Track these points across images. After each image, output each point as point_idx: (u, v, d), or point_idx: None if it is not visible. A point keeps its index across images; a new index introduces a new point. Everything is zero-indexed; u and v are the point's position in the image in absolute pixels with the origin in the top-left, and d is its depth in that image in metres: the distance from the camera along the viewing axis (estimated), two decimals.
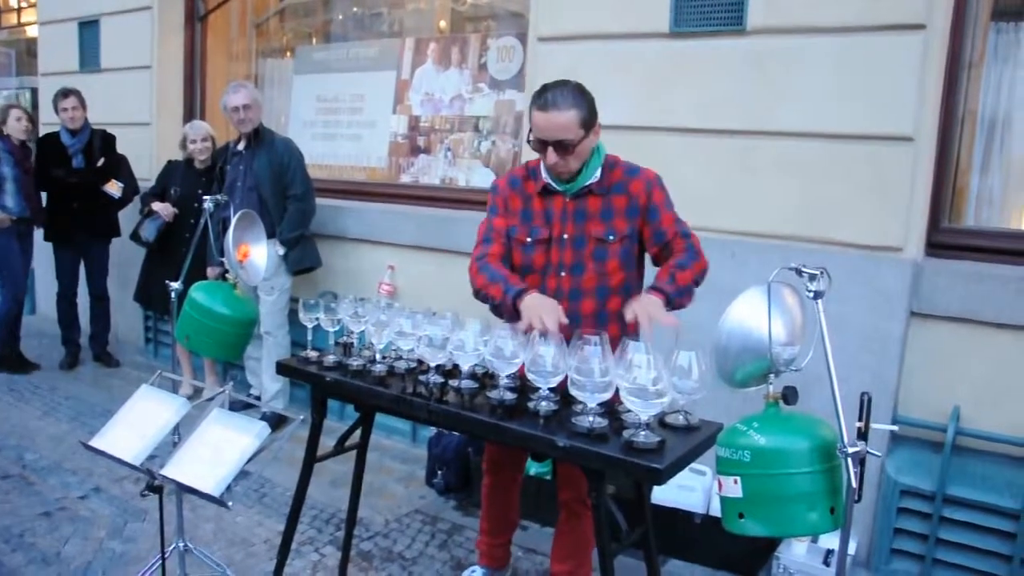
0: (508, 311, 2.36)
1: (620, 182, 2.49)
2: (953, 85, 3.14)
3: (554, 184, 2.50)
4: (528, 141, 2.47)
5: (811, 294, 1.81)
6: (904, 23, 3.03)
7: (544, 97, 2.37)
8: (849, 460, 1.68)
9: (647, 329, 2.17)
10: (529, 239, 2.53)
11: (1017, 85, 3.20)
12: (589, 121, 2.40)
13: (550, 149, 2.38)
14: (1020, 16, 3.22)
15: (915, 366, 3.15)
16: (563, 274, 2.50)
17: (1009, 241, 3.13)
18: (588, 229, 2.48)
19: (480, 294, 2.49)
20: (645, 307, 2.23)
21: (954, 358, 3.10)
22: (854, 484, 1.69)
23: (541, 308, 2.24)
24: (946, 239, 3.20)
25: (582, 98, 2.39)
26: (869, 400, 1.73)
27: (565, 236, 2.49)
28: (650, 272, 2.53)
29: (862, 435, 1.71)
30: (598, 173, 2.48)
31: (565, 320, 2.22)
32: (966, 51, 3.15)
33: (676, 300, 2.34)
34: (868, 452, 1.70)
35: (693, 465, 2.16)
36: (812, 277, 1.81)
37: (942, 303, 3.07)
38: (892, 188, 3.11)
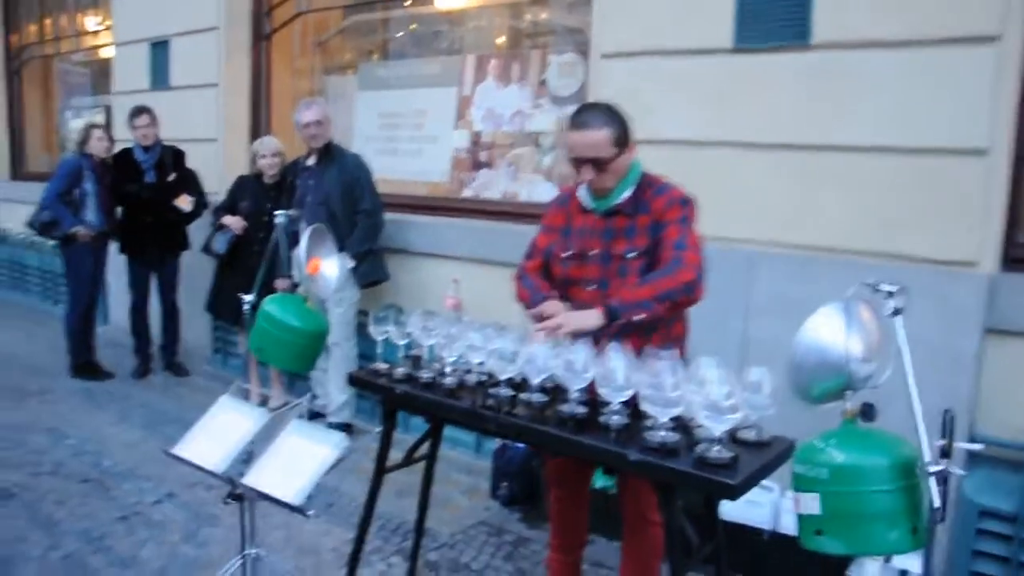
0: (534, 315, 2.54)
1: (647, 200, 2.53)
2: None
3: (587, 202, 2.61)
4: (568, 160, 2.57)
5: (891, 310, 1.79)
6: (977, 35, 2.97)
7: (578, 117, 2.50)
8: (932, 479, 1.66)
9: (549, 334, 2.30)
10: (565, 254, 2.63)
11: None
12: (622, 139, 2.49)
13: (585, 167, 2.49)
14: None
15: (992, 383, 3.07)
16: (592, 288, 2.58)
17: None
18: (612, 247, 2.55)
19: (520, 301, 2.70)
20: (569, 317, 2.38)
21: None
22: (936, 503, 1.66)
23: (545, 312, 2.45)
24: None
25: (615, 117, 2.50)
26: (952, 418, 1.71)
27: (593, 252, 2.58)
28: None
29: (945, 453, 1.68)
30: (628, 192, 2.55)
31: (560, 324, 2.33)
32: None
33: (623, 314, 2.31)
34: (951, 471, 1.67)
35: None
36: (891, 294, 1.79)
37: (1020, 319, 3.00)
38: (965, 202, 3.04)
